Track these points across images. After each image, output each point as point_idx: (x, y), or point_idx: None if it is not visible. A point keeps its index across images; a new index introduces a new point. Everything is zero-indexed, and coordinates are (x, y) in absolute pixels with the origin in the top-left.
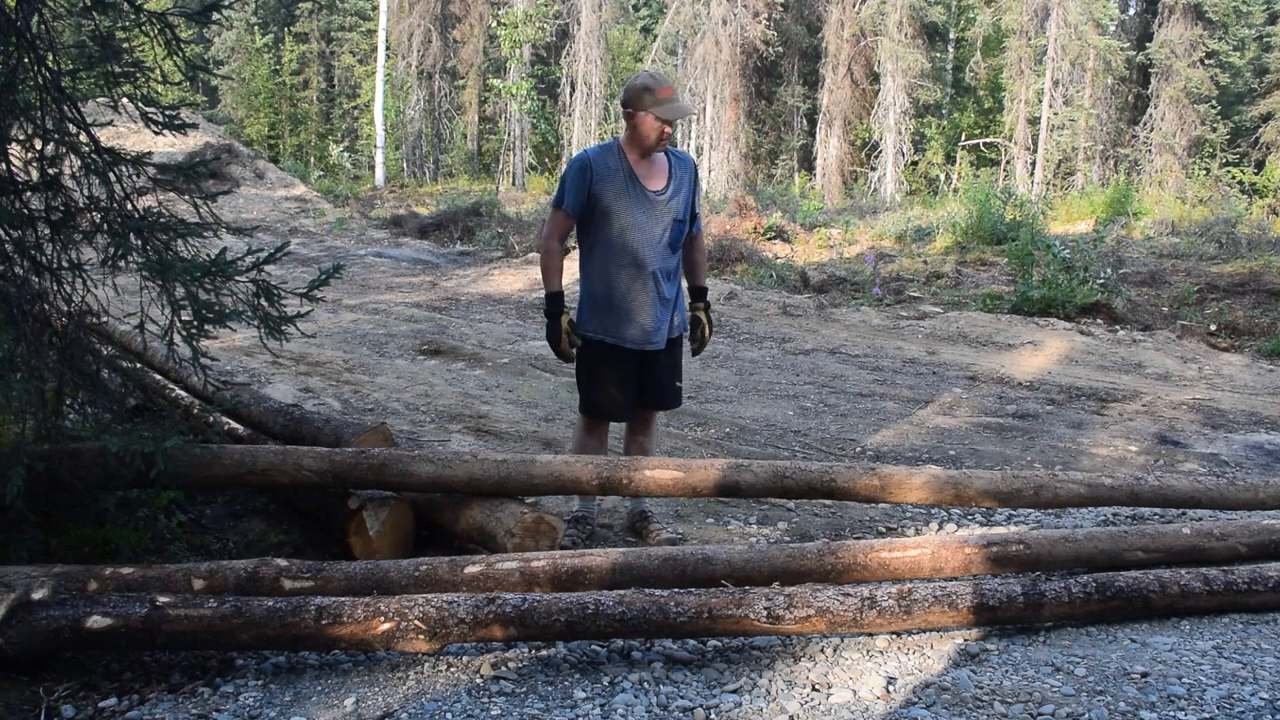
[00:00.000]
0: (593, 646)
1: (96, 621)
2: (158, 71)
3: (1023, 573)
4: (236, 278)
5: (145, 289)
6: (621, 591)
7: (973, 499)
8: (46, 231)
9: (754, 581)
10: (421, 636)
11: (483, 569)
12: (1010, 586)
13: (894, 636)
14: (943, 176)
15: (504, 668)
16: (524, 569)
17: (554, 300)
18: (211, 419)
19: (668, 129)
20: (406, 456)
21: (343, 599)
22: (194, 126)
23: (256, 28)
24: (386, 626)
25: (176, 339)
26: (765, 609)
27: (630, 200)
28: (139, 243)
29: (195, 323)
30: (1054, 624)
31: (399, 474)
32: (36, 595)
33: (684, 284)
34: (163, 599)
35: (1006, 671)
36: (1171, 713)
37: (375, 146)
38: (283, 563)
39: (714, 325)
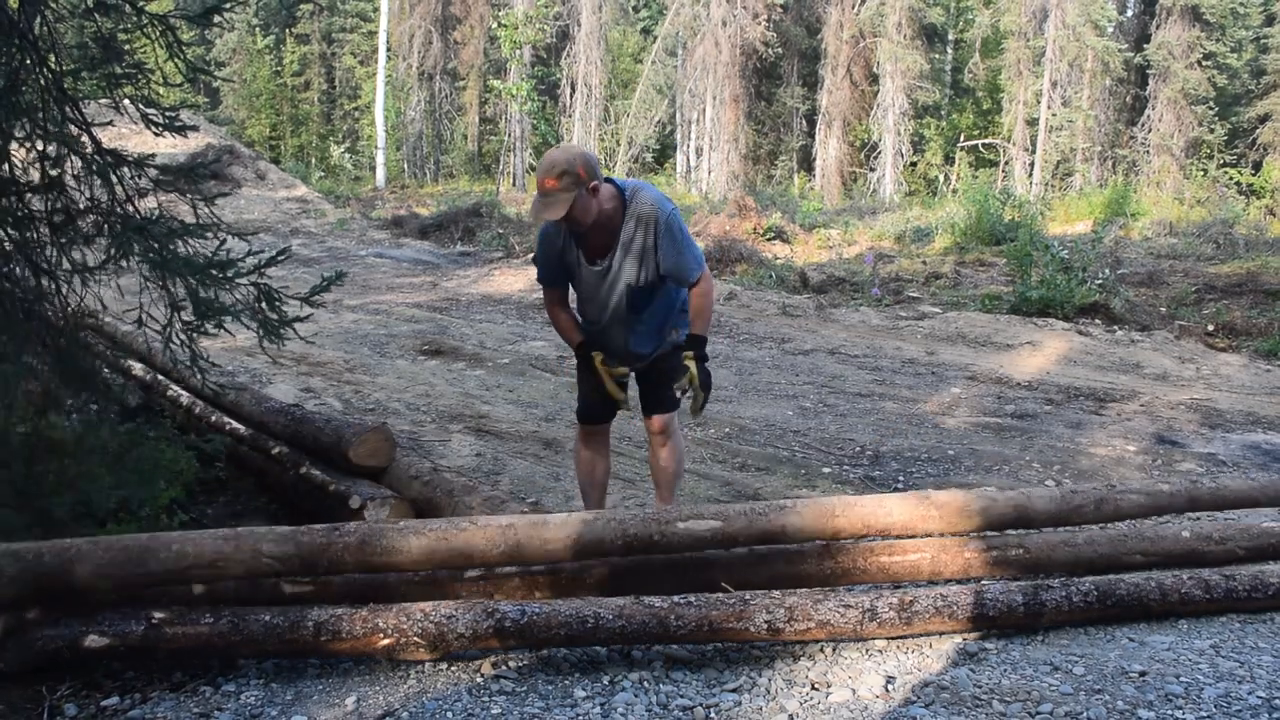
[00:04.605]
0: (593, 646)
1: (94, 641)
2: (159, 73)
3: (1022, 576)
4: (238, 280)
5: (145, 289)
6: (621, 603)
7: (1039, 523)
8: (47, 232)
9: (753, 584)
10: (422, 649)
11: (483, 572)
12: (1011, 596)
13: None
14: (941, 177)
15: (504, 667)
16: (524, 573)
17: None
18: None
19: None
20: (391, 529)
21: (340, 612)
22: (195, 128)
23: (258, 29)
24: (386, 643)
25: (176, 339)
26: (766, 622)
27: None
28: (140, 245)
29: (196, 322)
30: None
31: (383, 550)
32: (30, 614)
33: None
34: (159, 615)
35: (1005, 670)
36: (1169, 711)
37: (376, 147)
38: None
39: (707, 382)
